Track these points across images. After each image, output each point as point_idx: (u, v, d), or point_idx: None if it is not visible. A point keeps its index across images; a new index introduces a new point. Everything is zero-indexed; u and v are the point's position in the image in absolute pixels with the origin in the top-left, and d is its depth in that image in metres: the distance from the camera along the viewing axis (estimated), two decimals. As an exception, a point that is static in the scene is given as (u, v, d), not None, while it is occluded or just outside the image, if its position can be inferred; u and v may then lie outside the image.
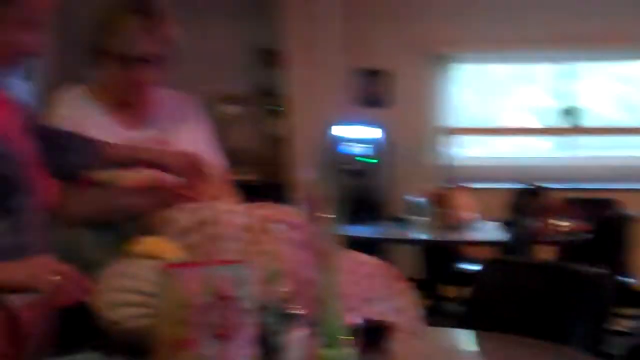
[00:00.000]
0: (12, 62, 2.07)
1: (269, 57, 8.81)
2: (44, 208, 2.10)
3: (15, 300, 1.92)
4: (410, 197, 6.36)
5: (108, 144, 2.38)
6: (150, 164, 2.41)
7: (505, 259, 4.17)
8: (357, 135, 8.39)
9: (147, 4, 2.45)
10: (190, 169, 2.38)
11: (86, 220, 2.49)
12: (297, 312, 1.93)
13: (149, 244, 2.15)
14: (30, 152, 2.08)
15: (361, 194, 7.68)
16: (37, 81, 8.67)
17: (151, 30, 2.45)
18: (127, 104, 2.57)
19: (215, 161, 2.68)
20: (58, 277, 1.83)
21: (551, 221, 5.89)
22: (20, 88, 8.02)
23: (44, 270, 1.85)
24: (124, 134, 2.53)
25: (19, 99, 2.22)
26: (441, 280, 6.84)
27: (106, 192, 2.44)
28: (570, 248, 5.99)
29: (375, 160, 8.30)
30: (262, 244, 2.20)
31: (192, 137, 2.64)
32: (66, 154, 2.29)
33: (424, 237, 6.23)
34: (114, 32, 2.44)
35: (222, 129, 8.36)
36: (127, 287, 2.07)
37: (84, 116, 2.50)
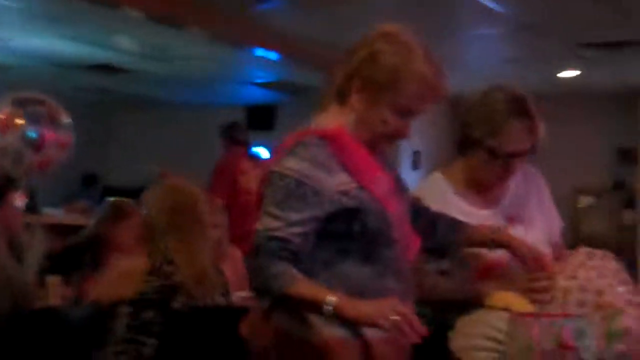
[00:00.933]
0: (382, 141, 2.11)
1: (625, 155, 8.57)
2: (406, 259, 2.13)
3: (371, 333, 1.96)
4: None
5: (468, 224, 2.36)
6: (502, 247, 2.36)
7: None
8: None
9: (527, 108, 2.40)
10: (534, 264, 2.31)
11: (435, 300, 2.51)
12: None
13: (502, 297, 2.15)
14: (400, 213, 2.12)
15: None
16: (424, 170, 9.03)
17: (528, 131, 2.40)
18: (482, 186, 2.53)
19: (555, 225, 2.61)
20: (397, 318, 1.82)
21: None
22: (407, 175, 8.38)
23: (387, 310, 1.86)
24: (477, 213, 2.49)
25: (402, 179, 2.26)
26: None
27: (458, 280, 2.41)
28: None
29: None
30: (604, 305, 2.10)
31: (537, 208, 2.57)
32: (434, 232, 2.31)
33: None
34: (496, 132, 2.38)
35: (577, 217, 8.23)
36: (483, 334, 2.08)
37: (442, 198, 2.51)
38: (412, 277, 2.14)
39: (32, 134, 4.45)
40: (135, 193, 3.53)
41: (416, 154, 9.19)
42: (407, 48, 2.03)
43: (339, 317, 1.91)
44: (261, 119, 9.89)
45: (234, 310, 2.88)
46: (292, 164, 1.97)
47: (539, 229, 2.51)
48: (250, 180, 6.06)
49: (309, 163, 1.97)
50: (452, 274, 2.43)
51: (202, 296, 2.88)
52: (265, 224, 1.96)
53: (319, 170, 1.97)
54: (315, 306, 1.91)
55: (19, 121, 4.46)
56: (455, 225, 2.36)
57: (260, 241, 1.94)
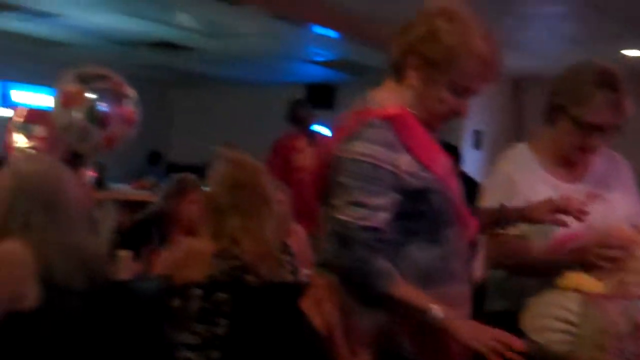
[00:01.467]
0: (439, 120, 2.09)
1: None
2: (468, 240, 2.12)
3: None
4: None
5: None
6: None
7: None
8: None
9: (614, 80, 2.38)
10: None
11: (506, 267, 2.54)
12: None
13: (574, 278, 2.13)
14: (458, 191, 2.11)
15: None
16: (486, 149, 8.96)
17: (615, 105, 2.36)
18: (567, 160, 2.51)
19: (638, 211, 2.56)
20: (495, 345, 1.84)
21: None
22: (470, 155, 8.32)
23: (485, 337, 1.88)
24: (562, 186, 2.48)
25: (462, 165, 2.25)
26: None
27: (529, 248, 2.43)
28: None
29: None
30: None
31: (620, 192, 2.54)
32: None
33: None
34: (581, 101, 2.37)
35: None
36: (555, 315, 2.07)
37: (528, 169, 2.52)
38: (470, 257, 2.15)
39: (97, 109, 4.50)
40: (199, 170, 3.58)
41: (478, 133, 9.12)
42: (466, 26, 2.00)
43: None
44: (321, 97, 9.89)
45: (302, 286, 2.90)
46: (363, 149, 1.95)
47: (619, 211, 2.49)
48: (306, 158, 6.07)
49: (379, 145, 1.95)
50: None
51: (270, 274, 2.90)
52: (351, 213, 1.93)
53: (389, 151, 1.95)
54: (418, 313, 1.93)
55: (84, 97, 4.51)
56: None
57: (351, 233, 1.93)
